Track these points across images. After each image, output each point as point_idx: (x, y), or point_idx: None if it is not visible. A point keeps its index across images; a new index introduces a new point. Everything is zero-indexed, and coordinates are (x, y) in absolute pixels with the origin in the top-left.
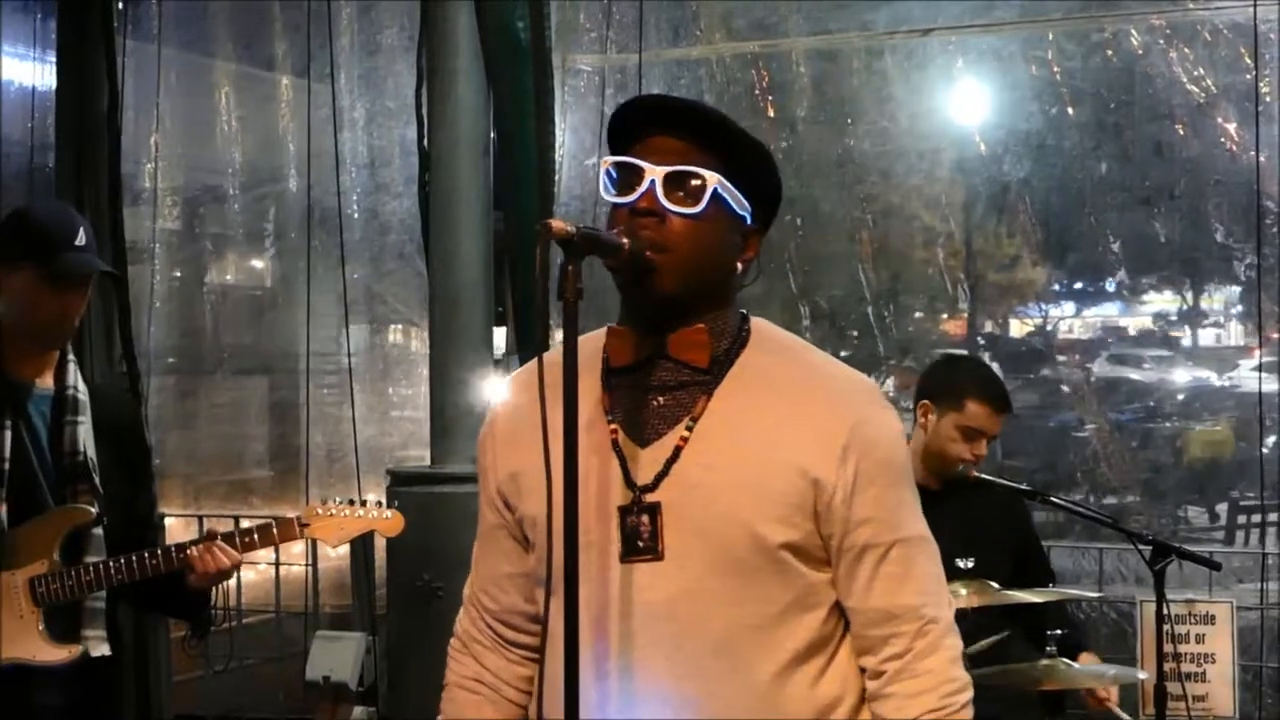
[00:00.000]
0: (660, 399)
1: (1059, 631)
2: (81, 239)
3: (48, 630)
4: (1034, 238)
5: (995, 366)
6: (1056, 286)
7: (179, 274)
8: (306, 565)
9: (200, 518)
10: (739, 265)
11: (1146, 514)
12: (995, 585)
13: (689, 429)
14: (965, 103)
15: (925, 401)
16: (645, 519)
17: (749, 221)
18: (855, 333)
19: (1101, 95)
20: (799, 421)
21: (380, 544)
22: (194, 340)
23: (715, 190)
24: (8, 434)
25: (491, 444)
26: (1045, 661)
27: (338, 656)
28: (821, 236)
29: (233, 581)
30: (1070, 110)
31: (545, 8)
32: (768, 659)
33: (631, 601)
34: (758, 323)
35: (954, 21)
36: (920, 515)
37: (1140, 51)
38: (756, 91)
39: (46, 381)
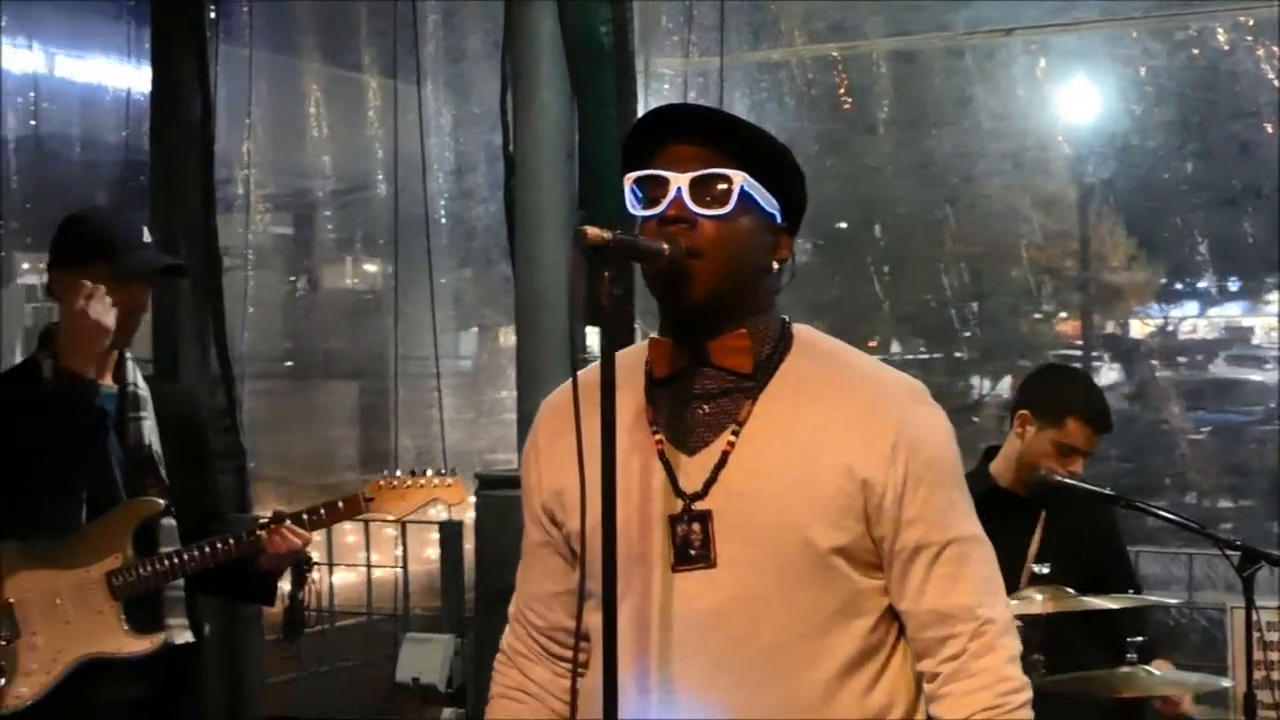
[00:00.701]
0: (704, 407)
1: (1139, 638)
2: (145, 237)
3: (128, 622)
4: (1118, 238)
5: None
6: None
7: (271, 279)
8: (398, 568)
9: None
10: (774, 265)
11: (1245, 519)
12: (1071, 591)
13: (735, 434)
14: (1047, 103)
15: (1024, 412)
16: (696, 527)
17: (779, 220)
18: (937, 335)
19: (1186, 94)
20: (845, 423)
21: (469, 547)
22: (286, 345)
23: (742, 189)
24: (81, 434)
25: (535, 461)
26: (1124, 669)
27: (427, 658)
28: (902, 239)
29: (325, 584)
30: (1155, 109)
31: (628, 12)
32: (816, 667)
33: (677, 612)
34: (800, 328)
35: (1035, 21)
36: (973, 515)
37: (1226, 48)
38: (837, 94)
39: (107, 380)
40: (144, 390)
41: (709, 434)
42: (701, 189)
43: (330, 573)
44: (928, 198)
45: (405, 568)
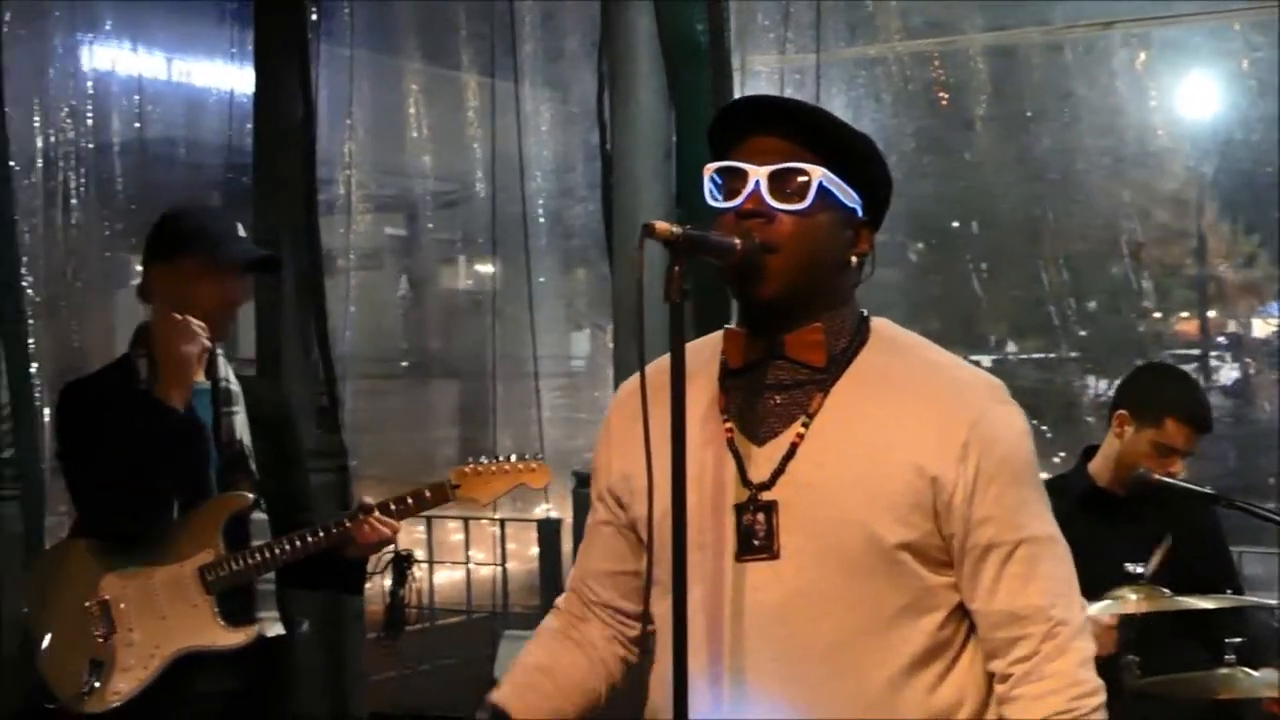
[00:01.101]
0: (776, 398)
1: (1237, 639)
2: (240, 231)
3: (222, 616)
4: (1221, 233)
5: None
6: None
7: (373, 279)
8: (497, 565)
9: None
10: (852, 259)
11: None
12: (1166, 591)
13: (805, 426)
14: (1147, 97)
15: (1123, 412)
16: (761, 517)
17: (859, 214)
18: (1038, 334)
19: None
20: (918, 419)
21: (567, 546)
22: (389, 345)
23: (820, 184)
24: (175, 430)
25: (606, 443)
26: (1223, 670)
27: None
28: (1001, 235)
29: (425, 583)
30: (1259, 102)
31: (724, 10)
32: (880, 664)
33: (744, 602)
34: (878, 322)
35: (1135, 14)
36: (1048, 515)
37: None
38: (934, 90)
39: (200, 376)
40: (236, 386)
41: (779, 425)
42: (780, 183)
43: (431, 571)
44: (1027, 194)
45: (504, 566)
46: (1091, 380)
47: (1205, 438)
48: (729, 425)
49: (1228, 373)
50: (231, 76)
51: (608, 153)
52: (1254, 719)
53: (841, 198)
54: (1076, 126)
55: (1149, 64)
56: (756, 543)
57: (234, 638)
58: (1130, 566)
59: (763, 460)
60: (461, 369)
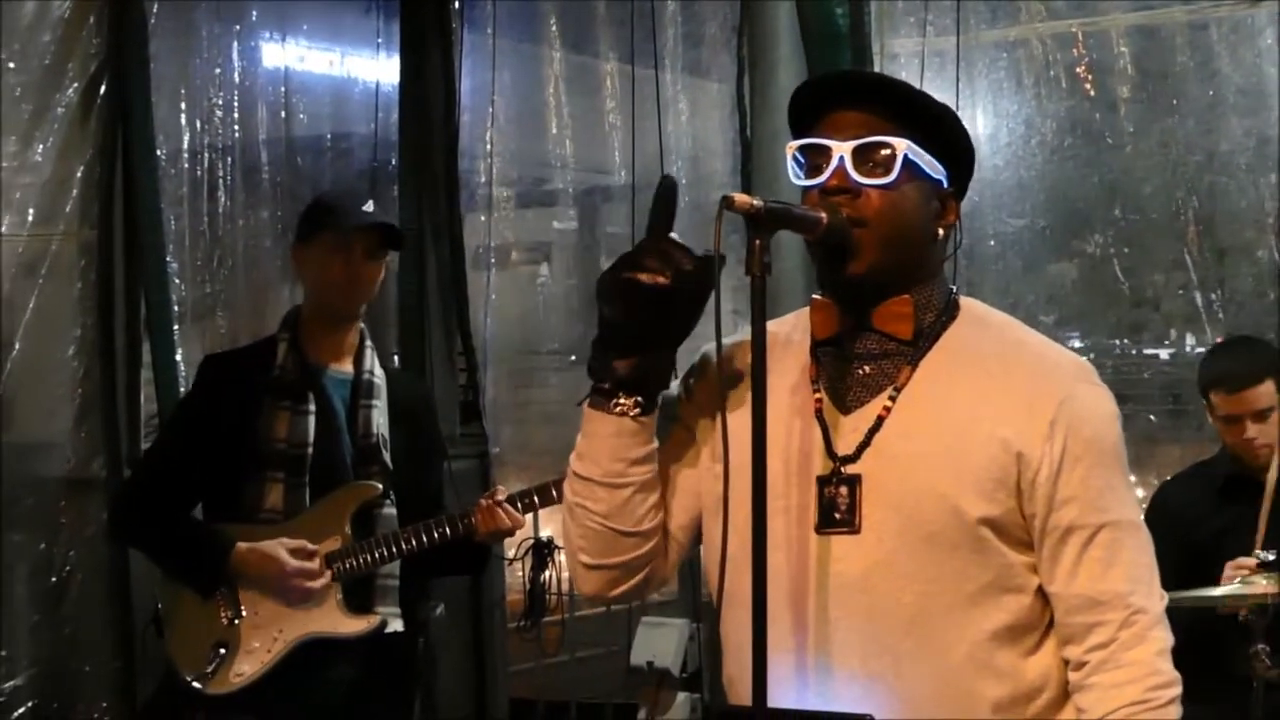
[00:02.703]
0: (865, 368)
1: None
2: (369, 206)
3: (345, 603)
4: None
5: None
6: None
7: (514, 268)
8: None
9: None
10: (939, 231)
11: None
12: None
13: (892, 399)
14: None
15: (1204, 401)
16: (844, 490)
17: (945, 185)
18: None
19: None
20: (1005, 395)
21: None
22: (530, 333)
23: (906, 156)
24: (310, 418)
25: (705, 386)
26: None
27: (661, 643)
28: (1144, 219)
29: (565, 572)
30: None
31: None
32: (961, 639)
33: (826, 573)
34: (967, 300)
35: None
36: (1132, 501)
37: None
38: (1078, 71)
39: (346, 366)
40: (379, 379)
41: (866, 395)
42: (864, 157)
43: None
44: (1170, 177)
45: None
46: None
47: None
48: (818, 395)
49: None
50: (378, 68)
51: (747, 139)
52: None
53: (927, 169)
54: (1222, 107)
55: None
56: (838, 516)
57: (356, 625)
58: (1262, 554)
59: (849, 431)
60: None
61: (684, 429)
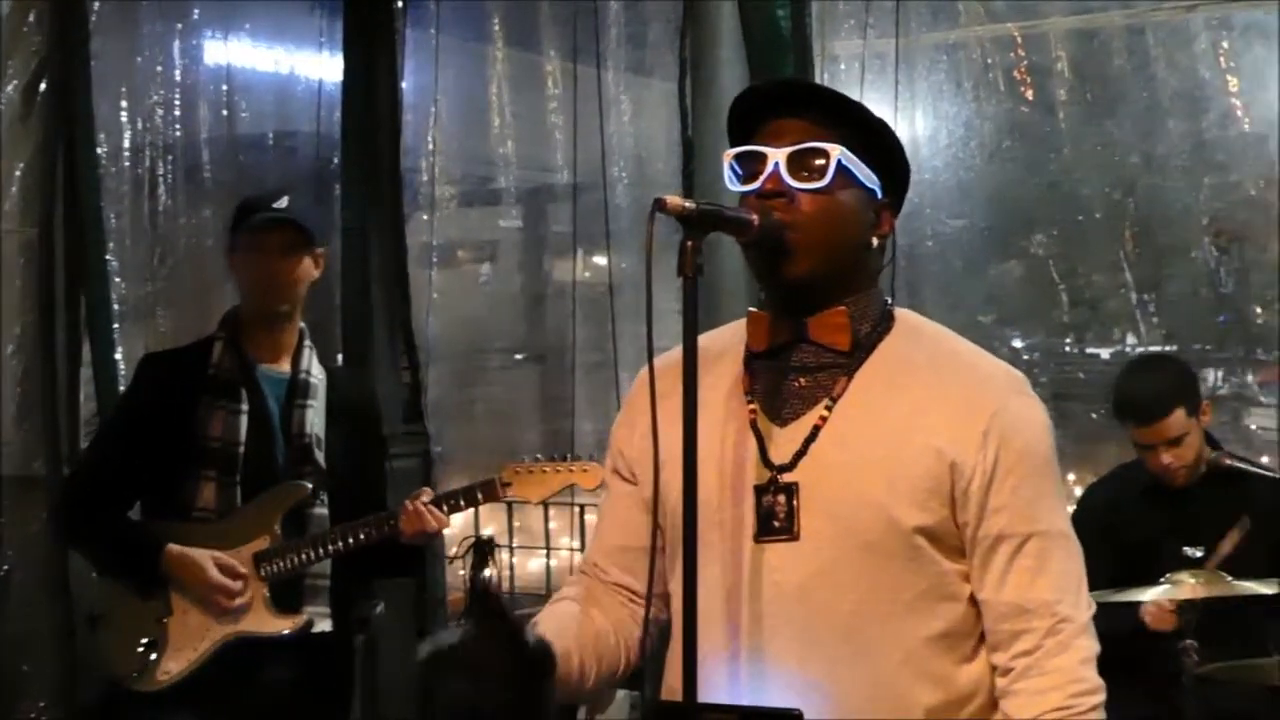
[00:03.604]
0: (800, 380)
1: None
2: (282, 203)
3: (272, 603)
4: None
5: None
6: None
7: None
8: (572, 550)
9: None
10: (874, 240)
11: None
12: (1227, 576)
13: (828, 409)
14: (1231, 80)
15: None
16: (781, 499)
17: (879, 195)
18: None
19: None
20: (939, 405)
21: None
22: (473, 332)
23: (840, 162)
24: (243, 417)
25: (628, 419)
26: None
27: None
28: (1083, 221)
29: (506, 570)
30: None
31: None
32: (897, 646)
33: (763, 582)
34: (902, 311)
35: None
36: (1063, 511)
37: None
38: (1016, 73)
39: (283, 366)
40: (317, 379)
41: (802, 406)
42: (799, 163)
43: (512, 555)
44: (1108, 179)
45: (583, 551)
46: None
47: None
48: (752, 406)
49: None
50: (321, 66)
51: (689, 139)
52: None
53: (861, 178)
54: (1158, 111)
55: (1231, 47)
56: (776, 524)
57: (282, 624)
58: (1189, 551)
59: (785, 442)
60: (546, 358)
61: (624, 481)
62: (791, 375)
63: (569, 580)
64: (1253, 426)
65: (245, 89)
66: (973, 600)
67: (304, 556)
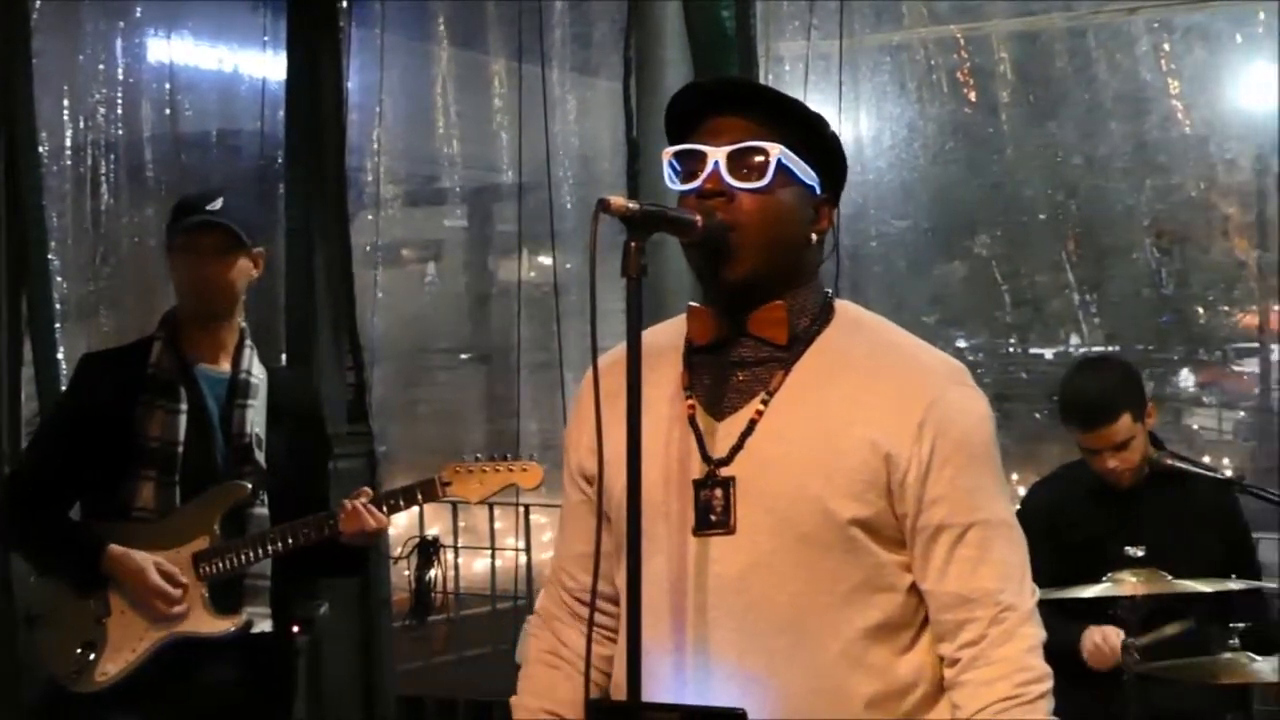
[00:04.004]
0: (739, 374)
1: (1242, 625)
2: (215, 205)
3: (211, 603)
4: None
5: None
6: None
7: (402, 265)
8: (517, 550)
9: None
10: (813, 236)
11: None
12: (1166, 575)
13: (764, 403)
14: (1172, 82)
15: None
16: (718, 493)
17: (818, 191)
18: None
19: None
20: (875, 397)
21: None
22: (418, 331)
23: (779, 161)
24: (182, 417)
25: (576, 423)
26: (1228, 655)
27: None
28: (1026, 222)
29: (451, 570)
30: None
31: None
32: (834, 637)
33: (705, 574)
34: (842, 303)
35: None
36: (1004, 500)
37: None
38: (959, 75)
39: (224, 365)
40: (257, 378)
41: (740, 401)
42: (739, 162)
43: (457, 556)
44: (1050, 180)
45: (529, 551)
46: None
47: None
48: (691, 402)
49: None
50: (265, 64)
51: (634, 139)
52: (1264, 703)
53: (800, 175)
54: (1099, 112)
55: (1172, 49)
56: (714, 518)
57: (221, 625)
58: (1131, 550)
59: (723, 436)
60: (491, 357)
61: (581, 487)
62: (731, 370)
63: (533, 628)
64: (1194, 426)
65: (188, 87)
66: (911, 590)
67: (243, 557)
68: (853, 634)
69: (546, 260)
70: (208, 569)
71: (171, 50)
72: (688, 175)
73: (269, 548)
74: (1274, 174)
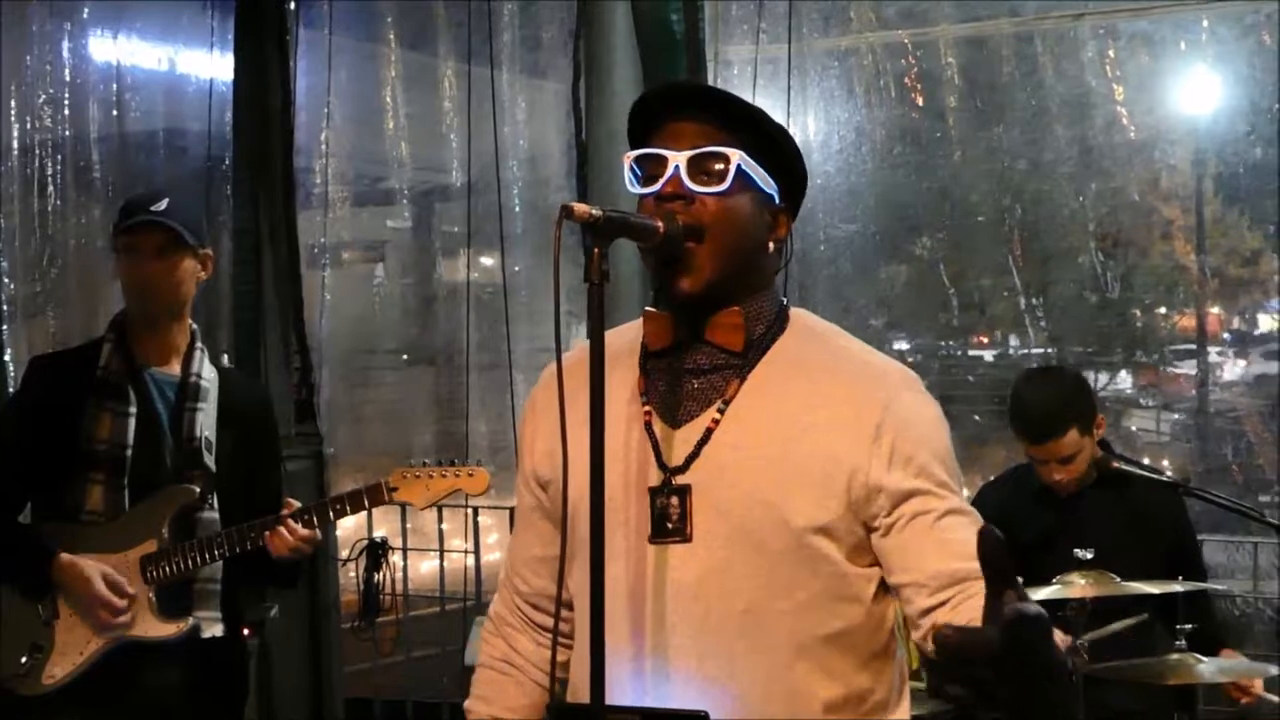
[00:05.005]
0: (695, 381)
1: (1189, 626)
2: (160, 205)
3: (158, 607)
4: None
5: None
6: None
7: (350, 267)
8: (466, 553)
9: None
10: (770, 244)
11: None
12: (1115, 577)
13: (720, 411)
14: (1117, 88)
15: None
16: (675, 500)
17: (776, 200)
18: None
19: (1256, 78)
20: (831, 404)
21: None
22: (366, 332)
23: (739, 167)
24: (131, 420)
25: (531, 425)
26: (1174, 656)
27: None
28: (972, 225)
29: (399, 571)
30: (1224, 94)
31: (699, 0)
32: (790, 642)
33: (663, 580)
34: (797, 311)
35: (1106, 6)
36: (963, 497)
37: None
38: (907, 80)
39: (174, 368)
40: (208, 381)
41: (696, 408)
42: (699, 166)
43: (406, 559)
44: (997, 184)
45: (478, 554)
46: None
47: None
48: (647, 409)
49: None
50: (212, 64)
51: (583, 141)
52: (1213, 702)
53: (759, 182)
54: (1046, 117)
55: (1117, 55)
56: (670, 525)
57: (167, 629)
58: (1079, 552)
59: (679, 443)
60: (440, 358)
61: (534, 492)
62: (686, 377)
63: (485, 633)
64: (1133, 428)
65: (135, 88)
66: (878, 602)
67: (190, 561)
68: (811, 640)
69: (493, 261)
70: (155, 573)
71: (119, 50)
72: (648, 179)
73: (215, 552)
74: (1212, 177)
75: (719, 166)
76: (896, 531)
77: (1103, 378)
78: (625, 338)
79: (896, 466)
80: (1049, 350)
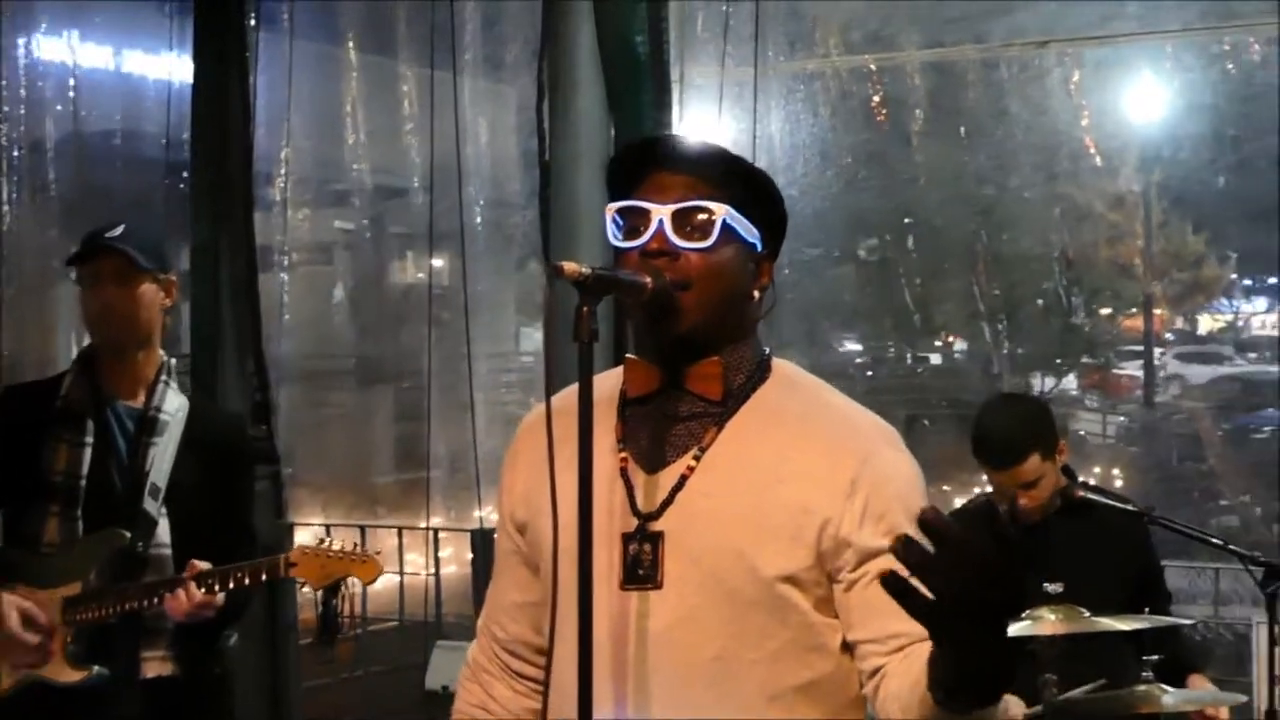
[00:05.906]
0: (673, 428)
1: (1155, 657)
2: (116, 232)
3: (72, 651)
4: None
5: None
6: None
7: (310, 280)
8: (428, 574)
9: (327, 526)
10: (755, 294)
11: None
12: (1084, 611)
13: (696, 459)
14: (1081, 114)
15: None
16: (647, 547)
17: (759, 248)
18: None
19: (1220, 107)
20: (807, 455)
21: None
22: (324, 348)
23: (724, 221)
24: (86, 450)
25: (512, 471)
26: (1141, 687)
27: (457, 666)
28: (936, 249)
29: (357, 590)
30: (1187, 122)
31: (665, 22)
32: (761, 690)
33: (634, 628)
34: (780, 362)
35: (1071, 33)
36: None
37: (1259, 61)
38: (873, 104)
39: (139, 400)
40: (168, 415)
41: (672, 455)
42: (684, 221)
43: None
44: (961, 209)
45: (437, 575)
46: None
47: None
48: (624, 455)
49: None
50: (171, 68)
51: (546, 162)
52: None
53: (744, 233)
54: (1011, 142)
55: (1082, 82)
56: (641, 572)
57: (69, 675)
58: (1049, 587)
59: (654, 490)
60: (401, 372)
61: (513, 538)
62: (665, 423)
63: (462, 680)
64: (1081, 432)
65: (94, 92)
66: (842, 654)
67: (106, 610)
68: (782, 690)
69: (445, 269)
70: (75, 616)
71: (77, 55)
72: (630, 231)
73: (126, 605)
74: (1155, 181)
75: (703, 219)
76: (860, 588)
77: (1052, 381)
78: (604, 386)
79: (868, 523)
80: (1004, 350)
